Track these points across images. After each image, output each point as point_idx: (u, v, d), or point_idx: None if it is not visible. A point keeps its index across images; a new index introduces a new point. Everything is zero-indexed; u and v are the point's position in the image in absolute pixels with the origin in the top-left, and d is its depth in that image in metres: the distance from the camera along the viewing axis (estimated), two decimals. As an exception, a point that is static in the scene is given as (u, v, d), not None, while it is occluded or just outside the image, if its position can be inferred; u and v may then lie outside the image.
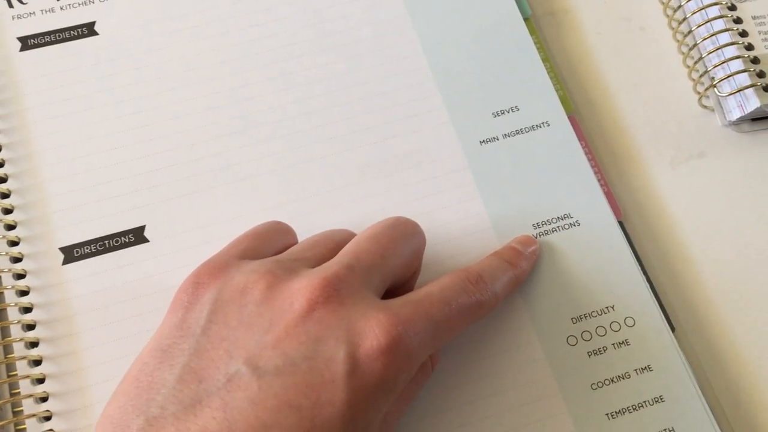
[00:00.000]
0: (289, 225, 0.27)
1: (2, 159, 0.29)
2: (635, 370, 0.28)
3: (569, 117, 0.32)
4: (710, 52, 0.33)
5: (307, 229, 0.28)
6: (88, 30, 0.32)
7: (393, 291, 0.25)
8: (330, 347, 0.21)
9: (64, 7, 0.32)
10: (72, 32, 0.32)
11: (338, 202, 0.30)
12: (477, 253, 0.29)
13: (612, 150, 0.32)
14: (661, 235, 0.31)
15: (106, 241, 0.28)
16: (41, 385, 0.26)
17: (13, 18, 0.32)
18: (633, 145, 0.32)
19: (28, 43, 0.31)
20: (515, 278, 0.28)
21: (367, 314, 0.22)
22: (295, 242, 0.27)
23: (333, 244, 0.26)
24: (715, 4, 0.33)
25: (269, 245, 0.26)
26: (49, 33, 0.32)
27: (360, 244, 0.24)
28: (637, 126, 0.33)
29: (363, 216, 0.29)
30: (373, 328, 0.22)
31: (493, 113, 0.32)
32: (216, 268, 0.23)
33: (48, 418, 0.26)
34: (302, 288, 0.22)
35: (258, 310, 0.22)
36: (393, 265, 0.25)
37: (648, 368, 0.28)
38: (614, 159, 0.32)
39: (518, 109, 0.32)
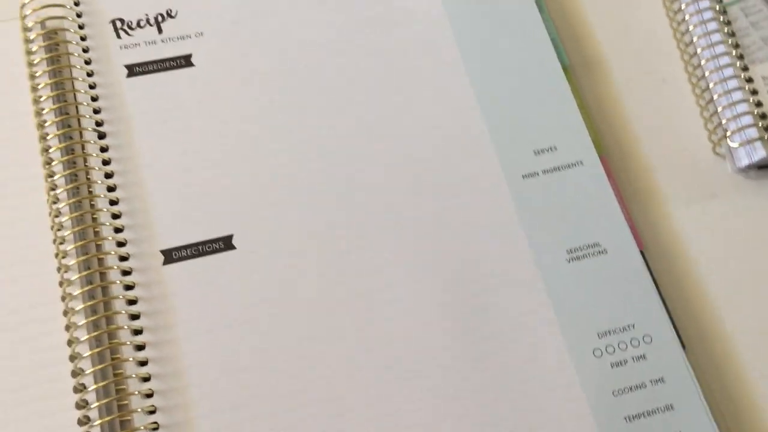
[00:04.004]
0: None
1: (112, 170, 0.34)
2: (650, 380, 0.32)
3: (600, 157, 0.36)
4: (724, 108, 0.37)
5: (367, 242, 0.33)
6: (185, 61, 0.36)
7: None
8: None
9: (164, 40, 0.37)
10: (171, 62, 0.36)
11: (397, 220, 0.34)
12: (505, 276, 0.33)
13: (635, 188, 0.37)
14: (676, 264, 0.35)
15: (200, 247, 0.33)
16: (144, 367, 0.31)
17: (120, 48, 0.36)
18: (654, 184, 0.37)
19: (133, 70, 0.36)
20: None
21: None
22: None
23: None
24: (730, 65, 0.38)
25: None
26: (151, 62, 0.36)
27: None
28: (658, 167, 0.37)
29: (414, 234, 0.34)
30: None
31: (534, 151, 0.36)
32: None
33: (149, 395, 0.30)
34: None
35: None
36: None
37: (661, 380, 0.32)
38: (637, 196, 0.37)
39: (556, 149, 0.36)
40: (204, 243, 0.33)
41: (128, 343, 0.31)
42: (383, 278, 0.33)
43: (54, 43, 0.36)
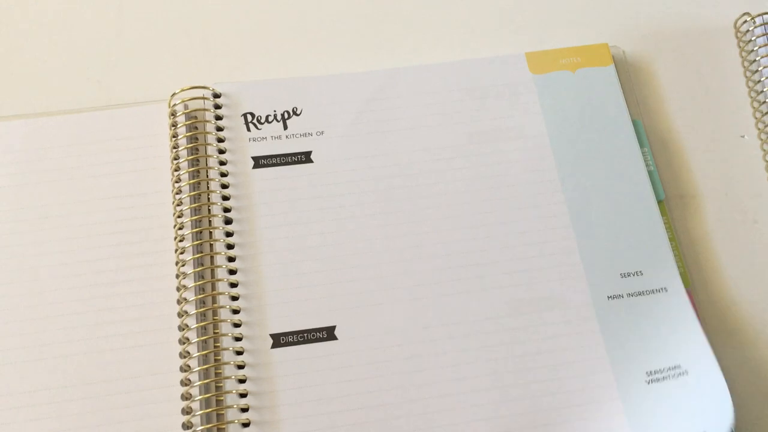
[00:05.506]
0: None
1: (234, 255, 0.37)
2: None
3: (686, 290, 0.38)
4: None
5: (456, 347, 0.36)
6: (305, 158, 0.40)
7: None
8: None
9: (288, 136, 0.41)
10: (293, 158, 0.40)
11: (484, 330, 0.36)
12: (584, 393, 0.35)
13: (719, 323, 0.38)
14: (756, 400, 0.37)
15: (305, 334, 0.36)
16: (246, 442, 0.34)
17: (249, 140, 0.40)
18: (737, 320, 0.38)
19: (259, 162, 0.40)
20: None
21: None
22: None
23: None
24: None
25: None
26: (275, 156, 0.40)
27: None
28: (742, 305, 0.39)
29: (500, 344, 0.36)
30: None
31: (621, 274, 0.38)
32: None
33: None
34: None
35: None
36: None
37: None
38: (720, 331, 0.38)
39: (642, 274, 0.38)
40: (309, 331, 0.36)
41: (236, 421, 0.34)
42: (467, 386, 0.35)
43: (196, 132, 0.40)
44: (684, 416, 0.35)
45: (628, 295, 0.38)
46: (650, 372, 0.36)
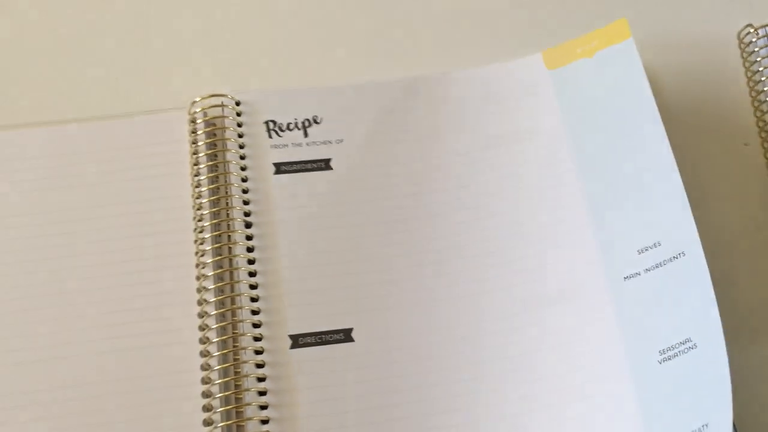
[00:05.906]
0: None
1: (254, 257, 0.38)
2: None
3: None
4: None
5: (472, 347, 0.37)
6: (325, 164, 0.41)
7: None
8: None
9: (309, 144, 0.42)
10: (313, 164, 0.41)
11: (502, 331, 0.37)
12: (596, 383, 0.36)
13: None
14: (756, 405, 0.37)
15: (323, 336, 0.37)
16: (266, 441, 0.35)
17: (271, 147, 0.41)
18: (741, 326, 0.39)
19: (280, 168, 0.41)
20: None
21: None
22: None
23: None
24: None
25: None
26: (296, 163, 0.41)
27: None
28: (748, 312, 0.40)
29: (520, 345, 0.37)
30: None
31: (638, 250, 0.37)
32: None
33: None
34: None
35: None
36: None
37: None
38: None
39: (660, 244, 0.37)
40: (327, 333, 0.37)
41: (255, 418, 0.35)
42: (483, 386, 0.36)
43: (216, 139, 0.41)
44: (689, 396, 0.33)
45: (646, 270, 0.36)
46: (663, 350, 0.35)
